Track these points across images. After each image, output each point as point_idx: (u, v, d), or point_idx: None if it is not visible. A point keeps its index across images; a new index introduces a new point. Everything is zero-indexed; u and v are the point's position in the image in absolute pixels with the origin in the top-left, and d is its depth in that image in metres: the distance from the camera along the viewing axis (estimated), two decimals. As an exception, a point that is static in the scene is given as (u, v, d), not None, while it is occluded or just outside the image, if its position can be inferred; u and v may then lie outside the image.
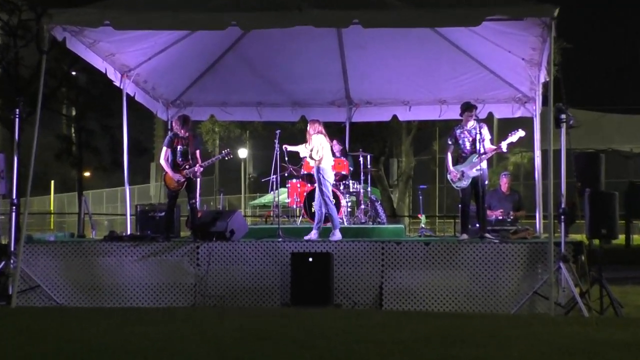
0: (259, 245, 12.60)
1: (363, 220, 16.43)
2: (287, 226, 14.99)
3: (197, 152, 13.49)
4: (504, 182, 16.64)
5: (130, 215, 16.07)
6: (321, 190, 13.25)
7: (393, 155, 36.40)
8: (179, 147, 13.53)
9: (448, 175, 13.74)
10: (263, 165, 45.60)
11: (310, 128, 13.53)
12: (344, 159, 16.67)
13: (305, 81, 17.99)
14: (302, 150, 13.83)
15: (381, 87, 18.21)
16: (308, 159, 13.46)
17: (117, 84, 15.31)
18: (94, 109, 31.79)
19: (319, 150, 13.24)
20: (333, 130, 18.61)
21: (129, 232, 15.11)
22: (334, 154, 15.20)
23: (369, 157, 17.44)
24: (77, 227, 17.43)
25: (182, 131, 13.37)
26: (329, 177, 13.28)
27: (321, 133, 13.38)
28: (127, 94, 15.60)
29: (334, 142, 15.95)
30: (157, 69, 16.08)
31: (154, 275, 12.74)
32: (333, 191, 14.40)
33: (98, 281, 12.76)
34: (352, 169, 16.69)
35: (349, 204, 16.50)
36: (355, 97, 18.83)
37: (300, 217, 16.56)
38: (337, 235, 13.02)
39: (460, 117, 13.86)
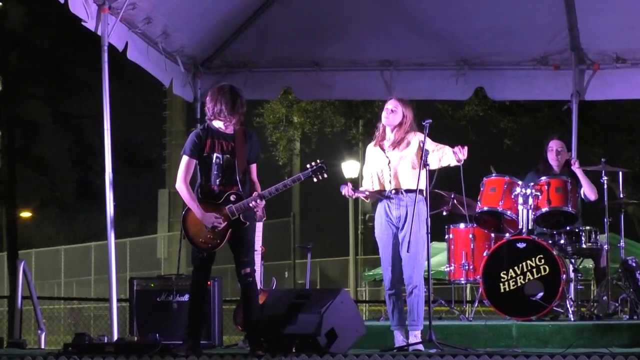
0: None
1: (610, 310, 11.98)
2: (446, 323, 11.49)
3: (253, 167, 9.61)
4: None
5: (117, 300, 11.90)
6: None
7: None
8: (215, 155, 9.55)
9: None
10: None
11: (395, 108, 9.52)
12: (565, 178, 11.78)
13: (482, 15, 13.13)
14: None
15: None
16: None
17: (88, 25, 11.34)
18: (38, 81, 22.50)
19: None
20: (544, 120, 17.77)
21: (115, 337, 11.01)
22: (550, 168, 11.85)
23: (620, 175, 12.28)
24: (9, 326, 16.29)
25: (226, 121, 9.48)
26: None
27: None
28: (111, 46, 11.71)
29: (554, 142, 12.02)
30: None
31: None
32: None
33: None
34: (589, 199, 11.94)
35: (579, 275, 12.05)
36: (591, 48, 13.42)
37: (476, 304, 12.82)
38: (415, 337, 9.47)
39: None
